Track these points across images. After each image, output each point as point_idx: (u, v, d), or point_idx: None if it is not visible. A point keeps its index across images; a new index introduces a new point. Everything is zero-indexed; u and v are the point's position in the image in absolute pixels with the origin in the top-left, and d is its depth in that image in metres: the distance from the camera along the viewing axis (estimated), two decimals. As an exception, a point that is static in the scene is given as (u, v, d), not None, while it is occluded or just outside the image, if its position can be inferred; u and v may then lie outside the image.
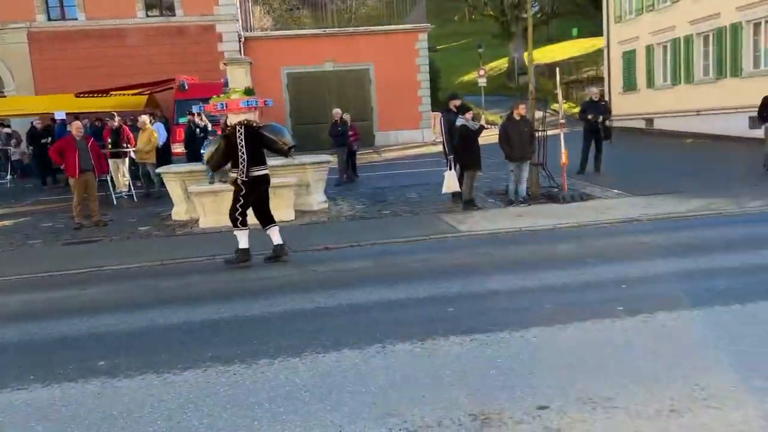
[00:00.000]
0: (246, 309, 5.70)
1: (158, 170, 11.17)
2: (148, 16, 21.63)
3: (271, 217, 7.43)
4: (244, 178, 7.00)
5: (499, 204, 10.49)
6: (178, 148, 15.36)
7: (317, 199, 11.13)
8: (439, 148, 21.17)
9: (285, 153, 7.35)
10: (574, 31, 41.83)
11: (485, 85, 28.99)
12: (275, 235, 7.34)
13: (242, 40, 22.07)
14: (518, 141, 10.13)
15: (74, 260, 8.30)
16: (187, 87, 16.61)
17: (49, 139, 16.00)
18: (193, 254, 8.12)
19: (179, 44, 21.36)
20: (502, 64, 41.55)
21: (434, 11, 34.40)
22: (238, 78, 11.41)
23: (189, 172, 10.87)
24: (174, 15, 21.71)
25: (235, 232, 7.24)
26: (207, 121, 14.35)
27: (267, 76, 20.90)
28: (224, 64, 11.74)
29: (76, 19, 21.15)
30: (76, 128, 10.51)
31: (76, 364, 4.54)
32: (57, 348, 4.99)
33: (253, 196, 7.19)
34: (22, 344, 5.16)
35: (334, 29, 23.19)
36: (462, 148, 10.20)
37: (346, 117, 14.56)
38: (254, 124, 7.23)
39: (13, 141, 18.06)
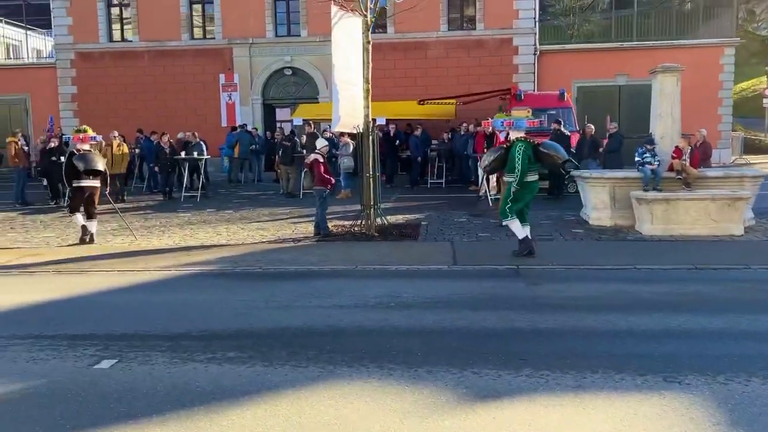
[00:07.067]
0: None
1: (576, 174, 11.68)
2: (449, 29, 22.95)
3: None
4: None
5: None
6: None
7: (748, 215, 10.73)
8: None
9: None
10: None
11: (769, 105, 26.79)
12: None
13: (537, 53, 22.54)
14: None
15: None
16: (522, 97, 17.30)
17: (397, 142, 17.86)
18: (666, 262, 8.35)
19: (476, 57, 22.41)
20: (755, 84, 38.10)
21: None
22: (669, 86, 11.21)
23: (623, 178, 11.04)
24: (474, 29, 22.82)
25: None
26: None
27: (557, 89, 21.12)
28: (650, 72, 11.53)
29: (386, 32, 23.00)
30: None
31: None
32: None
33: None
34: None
35: (633, 43, 22.79)
36: None
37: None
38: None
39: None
